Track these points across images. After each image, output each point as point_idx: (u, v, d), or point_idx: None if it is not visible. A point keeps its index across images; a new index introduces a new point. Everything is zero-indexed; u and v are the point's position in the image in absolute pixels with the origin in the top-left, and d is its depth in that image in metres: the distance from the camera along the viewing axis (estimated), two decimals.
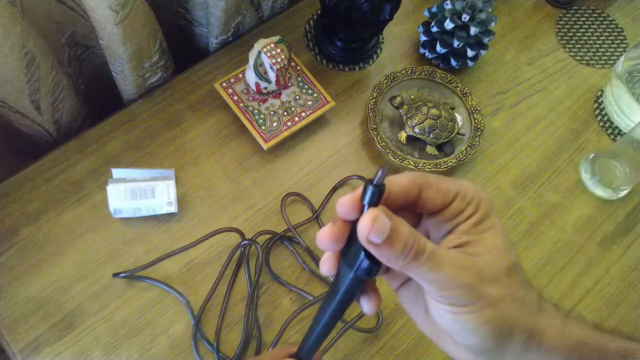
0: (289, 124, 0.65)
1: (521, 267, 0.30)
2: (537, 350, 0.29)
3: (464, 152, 0.67)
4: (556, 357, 0.30)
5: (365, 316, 0.59)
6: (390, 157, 0.66)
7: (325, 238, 0.28)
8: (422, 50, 0.74)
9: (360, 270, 0.28)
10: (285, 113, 0.66)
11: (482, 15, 0.68)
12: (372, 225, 0.25)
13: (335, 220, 0.28)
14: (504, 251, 0.29)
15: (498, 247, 0.29)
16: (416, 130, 0.66)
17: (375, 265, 0.28)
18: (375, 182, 0.26)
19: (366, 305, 0.31)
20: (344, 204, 0.27)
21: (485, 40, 0.70)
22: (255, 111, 0.65)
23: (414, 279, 0.28)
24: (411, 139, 0.68)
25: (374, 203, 0.26)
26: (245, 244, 0.59)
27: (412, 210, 0.30)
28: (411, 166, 0.65)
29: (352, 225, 0.28)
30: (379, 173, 0.26)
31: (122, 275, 0.57)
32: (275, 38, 0.62)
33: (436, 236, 0.31)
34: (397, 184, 0.29)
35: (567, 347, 0.30)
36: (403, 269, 0.27)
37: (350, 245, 0.28)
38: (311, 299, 0.59)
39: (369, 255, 0.27)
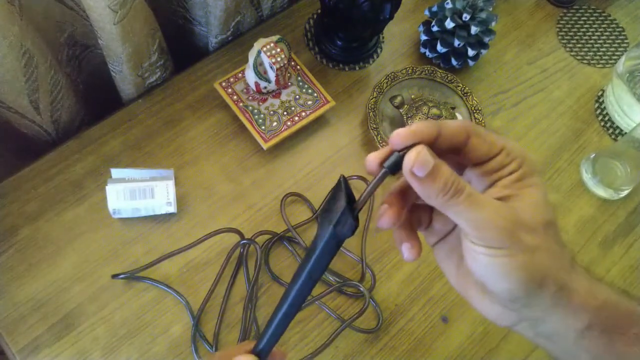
0: (288, 123, 0.65)
1: (558, 227, 0.31)
2: (565, 305, 0.30)
3: None
4: (583, 315, 0.30)
5: (366, 317, 0.59)
6: None
7: (374, 160, 0.29)
8: (422, 50, 0.73)
9: (340, 225, 0.29)
10: (285, 113, 0.65)
11: (483, 15, 0.68)
12: (416, 158, 0.27)
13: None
14: (543, 207, 0.29)
15: (538, 202, 0.29)
16: None
17: (355, 220, 0.29)
18: (402, 153, 0.28)
19: (407, 251, 0.32)
20: (400, 134, 0.29)
21: (486, 39, 0.70)
22: (255, 111, 0.65)
23: (454, 221, 0.29)
24: None
25: (393, 171, 0.28)
26: (244, 243, 0.59)
27: (458, 159, 0.31)
28: None
29: (335, 187, 0.29)
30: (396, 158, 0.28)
31: (121, 276, 0.57)
32: (275, 37, 0.62)
33: (479, 188, 0.32)
34: (446, 126, 0.29)
35: (595, 306, 0.30)
36: (442, 206, 0.28)
37: (331, 204, 0.29)
38: (310, 298, 0.58)
39: (350, 211, 0.29)
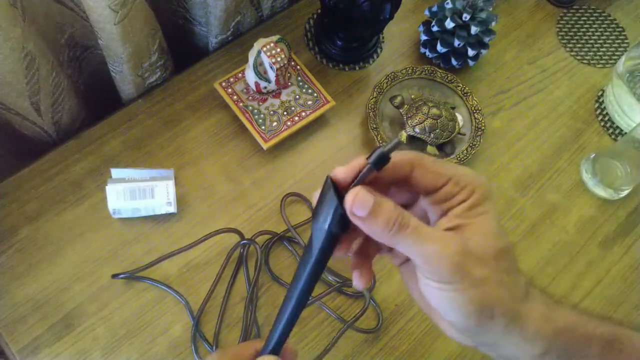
0: (288, 123, 0.65)
1: (512, 253, 0.31)
2: (518, 334, 0.30)
3: (465, 152, 0.67)
4: (538, 342, 0.30)
5: (366, 317, 0.59)
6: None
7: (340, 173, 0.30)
8: (422, 50, 0.73)
9: (334, 224, 0.29)
10: (285, 113, 0.65)
11: (483, 15, 0.68)
12: (353, 200, 0.28)
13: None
14: (494, 236, 0.30)
15: (489, 231, 0.30)
16: (417, 130, 0.66)
17: (346, 220, 0.29)
18: (386, 149, 0.28)
19: (356, 279, 0.33)
20: (341, 171, 0.30)
21: (486, 39, 0.70)
22: (255, 111, 0.65)
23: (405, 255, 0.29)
24: (412, 139, 0.68)
25: (377, 166, 0.28)
26: (244, 243, 0.59)
27: (405, 188, 0.32)
28: None
29: (323, 188, 0.30)
30: (394, 141, 0.28)
31: (121, 276, 0.57)
32: (275, 37, 0.62)
33: (433, 217, 0.32)
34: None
35: (551, 332, 0.30)
36: (389, 241, 0.28)
37: (321, 204, 0.30)
38: (311, 299, 0.58)
39: (342, 208, 0.29)
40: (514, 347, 0.31)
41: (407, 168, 0.30)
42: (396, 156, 0.30)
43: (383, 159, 0.28)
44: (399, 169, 0.30)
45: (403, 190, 0.32)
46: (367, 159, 0.29)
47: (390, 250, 0.34)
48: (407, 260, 0.34)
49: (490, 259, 0.29)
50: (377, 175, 0.29)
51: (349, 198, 0.28)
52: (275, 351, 0.35)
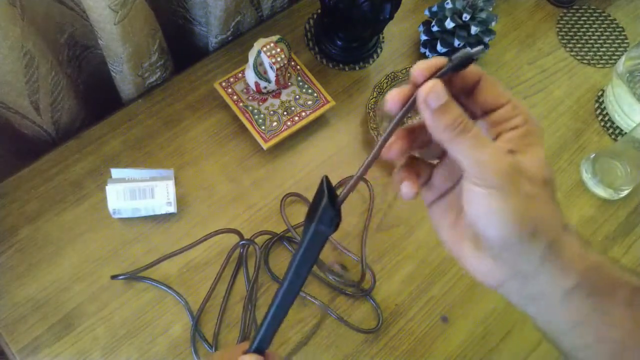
0: (288, 123, 0.65)
1: (556, 189, 0.31)
2: (554, 261, 0.30)
3: None
4: (571, 274, 0.30)
5: (366, 317, 0.59)
6: None
7: (395, 97, 0.30)
8: (422, 50, 0.73)
9: (323, 221, 0.29)
10: (285, 113, 0.65)
11: (483, 15, 0.68)
12: (431, 89, 0.28)
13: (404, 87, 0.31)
14: (545, 165, 0.30)
15: (540, 160, 0.30)
16: None
17: (336, 215, 0.29)
18: (473, 51, 0.27)
19: (406, 187, 0.33)
20: (421, 66, 0.29)
21: (486, 39, 0.70)
22: (255, 111, 0.65)
23: (456, 159, 0.29)
24: None
25: (459, 68, 0.28)
26: (243, 244, 0.59)
27: (466, 104, 0.32)
28: None
29: (319, 187, 0.30)
30: (479, 47, 0.28)
31: (120, 277, 0.57)
32: (275, 37, 0.62)
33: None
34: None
35: (584, 267, 0.30)
36: (449, 141, 0.28)
37: (315, 203, 0.30)
38: (311, 299, 0.58)
39: (331, 206, 0.29)
40: (547, 277, 0.30)
41: (475, 78, 0.31)
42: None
43: (467, 61, 0.28)
44: (469, 77, 0.31)
45: (463, 106, 0.32)
46: (449, 61, 0.29)
47: (425, 183, 0.34)
48: (440, 197, 0.34)
49: (540, 182, 0.29)
50: (447, 82, 0.29)
51: (427, 86, 0.28)
52: (260, 349, 0.34)
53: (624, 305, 0.30)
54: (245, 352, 0.35)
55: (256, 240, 0.60)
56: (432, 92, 0.28)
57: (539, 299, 0.31)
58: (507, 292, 0.32)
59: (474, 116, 0.32)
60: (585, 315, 0.30)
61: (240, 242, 0.59)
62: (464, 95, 0.31)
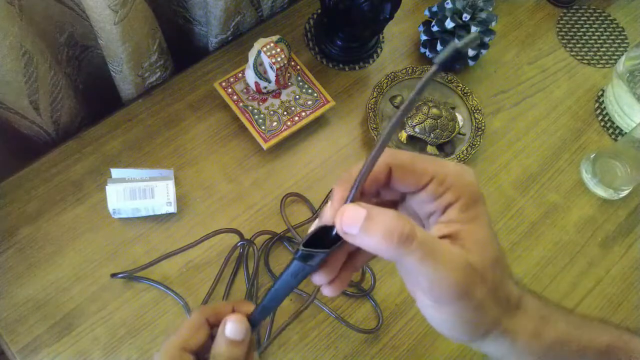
0: (288, 123, 0.65)
1: (505, 258, 0.30)
2: (509, 347, 0.30)
3: (465, 152, 0.67)
4: (528, 357, 0.30)
5: (366, 317, 0.59)
6: None
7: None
8: (422, 50, 0.73)
9: (298, 254, 0.29)
10: (285, 113, 0.65)
11: (483, 15, 0.68)
12: (340, 217, 0.26)
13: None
14: (490, 243, 0.28)
15: (485, 239, 0.28)
16: (417, 130, 0.66)
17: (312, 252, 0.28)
18: (459, 45, 0.24)
19: (321, 282, 0.31)
20: (333, 207, 0.27)
21: (486, 39, 0.70)
22: (255, 111, 0.65)
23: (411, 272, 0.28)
24: (412, 139, 0.67)
25: (446, 65, 0.25)
26: (242, 244, 0.59)
27: (391, 189, 0.30)
28: None
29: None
30: (466, 39, 0.24)
31: (120, 275, 0.57)
32: (275, 37, 0.62)
33: (422, 213, 0.31)
34: (357, 169, 0.28)
35: (542, 348, 0.30)
36: (391, 257, 0.26)
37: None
38: (311, 299, 0.58)
39: (311, 242, 0.28)
40: (507, 357, 0.31)
41: (384, 172, 0.28)
42: (363, 162, 0.28)
43: (455, 56, 0.24)
44: (376, 175, 0.28)
45: (389, 188, 0.31)
46: (433, 61, 0.27)
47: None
48: None
49: (488, 271, 0.28)
50: (360, 185, 0.27)
51: (337, 220, 0.26)
52: (255, 321, 0.34)
53: None
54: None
55: (256, 240, 0.60)
56: (344, 220, 0.26)
57: None
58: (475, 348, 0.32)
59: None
60: None
61: (239, 243, 0.59)
62: (383, 186, 0.29)
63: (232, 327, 0.32)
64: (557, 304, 0.33)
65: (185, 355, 0.32)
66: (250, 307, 0.34)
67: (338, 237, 0.28)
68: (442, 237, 0.28)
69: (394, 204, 0.33)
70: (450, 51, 0.24)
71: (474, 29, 0.67)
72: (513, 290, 0.30)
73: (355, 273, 0.33)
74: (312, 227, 0.30)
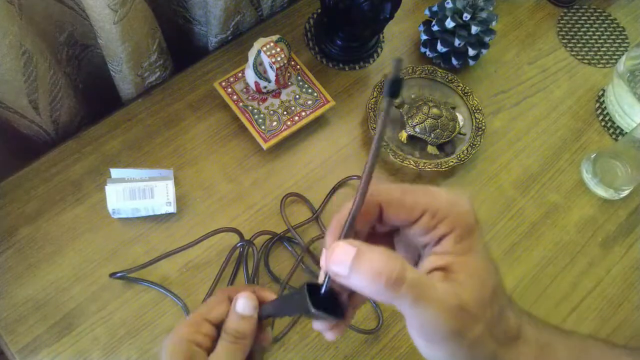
0: (288, 123, 0.65)
1: (503, 288, 0.29)
2: None
3: (465, 151, 0.67)
4: None
5: (366, 317, 0.59)
6: (391, 157, 0.65)
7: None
8: (422, 49, 0.73)
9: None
10: (285, 112, 0.65)
11: (483, 14, 0.68)
12: (329, 258, 0.25)
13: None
14: (487, 275, 0.28)
15: (481, 271, 0.27)
16: (417, 129, 0.66)
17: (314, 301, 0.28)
18: (390, 77, 0.24)
19: (322, 329, 0.32)
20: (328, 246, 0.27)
21: (487, 39, 0.70)
22: (255, 110, 0.65)
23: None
24: (412, 139, 0.67)
25: (393, 94, 0.24)
26: (241, 245, 0.59)
27: (384, 224, 0.30)
28: (412, 166, 0.65)
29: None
30: (394, 64, 0.24)
31: (118, 275, 0.57)
32: (275, 37, 0.62)
33: (418, 244, 0.30)
34: (355, 204, 0.27)
35: None
36: (388, 300, 0.25)
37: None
38: None
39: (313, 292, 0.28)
40: None
41: (376, 209, 0.28)
42: (356, 198, 0.28)
43: (396, 84, 0.24)
44: (367, 213, 0.28)
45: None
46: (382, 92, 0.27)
47: None
48: None
49: (485, 307, 0.27)
50: (352, 222, 0.27)
51: (327, 259, 0.26)
52: (264, 315, 0.36)
53: None
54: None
55: (256, 240, 0.60)
56: (333, 260, 0.25)
57: None
58: None
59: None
60: None
61: (239, 244, 0.59)
62: (374, 221, 0.29)
63: (242, 303, 0.35)
64: (557, 327, 0.32)
65: (206, 324, 0.35)
66: (270, 296, 0.36)
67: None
68: (436, 269, 0.28)
69: (389, 235, 0.33)
70: (389, 83, 0.24)
71: (474, 28, 0.67)
72: (512, 321, 0.29)
73: (355, 311, 0.33)
74: (321, 278, 0.29)
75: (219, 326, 0.35)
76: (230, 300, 0.36)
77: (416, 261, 0.32)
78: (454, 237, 0.27)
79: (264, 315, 0.36)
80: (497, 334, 0.28)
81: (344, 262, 0.25)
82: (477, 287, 0.27)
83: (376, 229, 0.32)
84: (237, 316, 0.35)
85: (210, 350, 0.34)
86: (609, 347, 0.33)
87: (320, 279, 0.29)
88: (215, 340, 0.35)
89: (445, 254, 0.28)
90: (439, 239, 0.28)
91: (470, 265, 0.27)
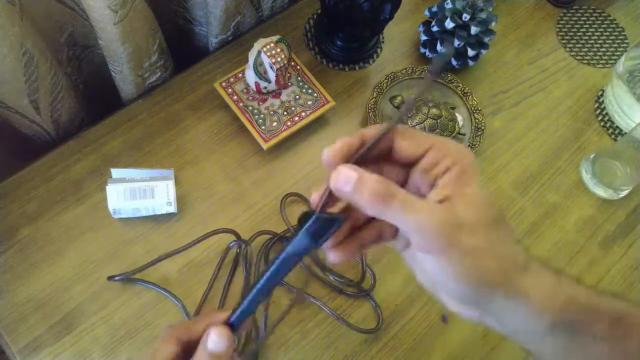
0: (288, 123, 0.65)
1: (506, 223, 0.30)
2: (523, 307, 0.29)
3: None
4: (544, 315, 0.30)
5: (366, 317, 0.59)
6: None
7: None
8: (422, 50, 0.73)
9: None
10: (285, 113, 0.65)
11: (483, 15, 0.68)
12: (336, 177, 0.29)
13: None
14: (485, 206, 0.29)
15: (479, 200, 0.29)
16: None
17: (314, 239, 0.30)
18: (443, 53, 0.28)
19: (329, 252, 0.33)
20: (330, 155, 0.30)
21: (486, 39, 0.70)
22: (255, 111, 0.65)
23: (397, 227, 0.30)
24: None
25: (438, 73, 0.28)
26: (237, 244, 0.59)
27: (395, 164, 0.32)
28: None
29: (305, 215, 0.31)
30: (444, 51, 0.28)
31: (116, 278, 0.57)
32: (275, 37, 0.62)
33: (424, 190, 0.32)
34: (368, 133, 0.31)
35: (556, 306, 0.30)
36: (381, 213, 0.28)
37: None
38: (311, 299, 0.58)
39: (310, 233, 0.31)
40: (519, 320, 0.30)
41: (389, 138, 0.31)
42: (373, 130, 0.31)
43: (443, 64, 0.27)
44: (381, 140, 0.31)
45: (395, 166, 0.33)
46: (429, 71, 0.29)
47: (394, 236, 0.34)
48: (408, 245, 0.34)
49: (482, 228, 0.29)
50: (365, 153, 0.30)
51: (332, 177, 0.29)
52: (235, 325, 0.33)
53: (601, 340, 0.30)
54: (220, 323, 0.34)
55: (256, 240, 0.60)
56: (339, 179, 0.28)
57: (519, 333, 0.31)
58: (488, 325, 0.32)
59: (408, 173, 0.33)
60: (566, 350, 0.30)
61: (232, 243, 0.59)
62: (386, 155, 0.32)
63: (214, 340, 0.32)
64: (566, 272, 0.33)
65: None
66: (223, 316, 0.34)
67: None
68: (436, 201, 0.29)
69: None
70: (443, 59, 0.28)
71: (473, 29, 0.67)
72: (518, 251, 0.30)
73: (361, 250, 0.35)
74: (321, 192, 0.31)
75: None
76: (181, 341, 0.33)
77: None
78: (456, 171, 0.30)
79: (234, 330, 0.33)
80: (500, 256, 0.29)
81: (348, 179, 0.28)
82: (474, 212, 0.29)
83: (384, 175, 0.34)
84: (209, 354, 0.32)
85: None
86: (618, 297, 0.33)
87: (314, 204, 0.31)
88: None
89: (446, 186, 0.30)
90: (443, 173, 0.30)
91: (469, 195, 0.29)
